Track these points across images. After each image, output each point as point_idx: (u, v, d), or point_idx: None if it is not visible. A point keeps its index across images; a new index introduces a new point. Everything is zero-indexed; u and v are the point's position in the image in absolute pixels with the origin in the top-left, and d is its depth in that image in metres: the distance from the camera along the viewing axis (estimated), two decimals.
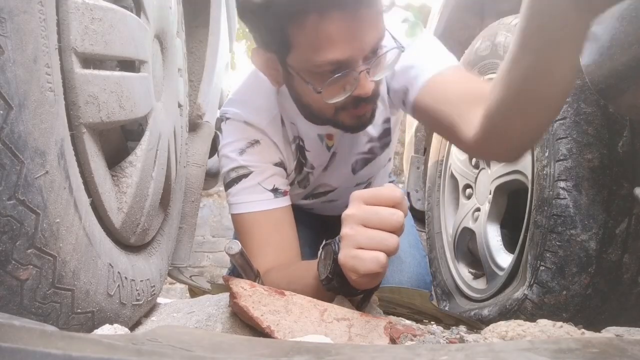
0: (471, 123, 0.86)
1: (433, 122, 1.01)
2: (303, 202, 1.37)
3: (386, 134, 1.22)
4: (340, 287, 0.76)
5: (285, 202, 1.10)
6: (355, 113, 0.95)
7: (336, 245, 0.75)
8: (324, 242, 0.80)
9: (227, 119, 1.11)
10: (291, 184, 1.21)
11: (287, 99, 1.06)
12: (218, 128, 1.12)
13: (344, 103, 0.92)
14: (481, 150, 0.92)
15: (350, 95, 0.89)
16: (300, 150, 1.16)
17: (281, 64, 0.95)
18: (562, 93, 0.72)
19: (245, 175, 1.07)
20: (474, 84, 0.94)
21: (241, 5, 0.91)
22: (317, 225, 1.50)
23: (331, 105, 0.93)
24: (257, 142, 1.09)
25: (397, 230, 0.69)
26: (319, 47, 0.85)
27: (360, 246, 0.69)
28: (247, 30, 0.97)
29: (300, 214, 1.15)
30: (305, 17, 0.83)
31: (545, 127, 0.89)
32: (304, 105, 1.01)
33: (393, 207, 0.70)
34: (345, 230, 0.71)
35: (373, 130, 1.18)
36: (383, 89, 1.10)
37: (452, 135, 0.95)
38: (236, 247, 0.73)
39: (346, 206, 0.73)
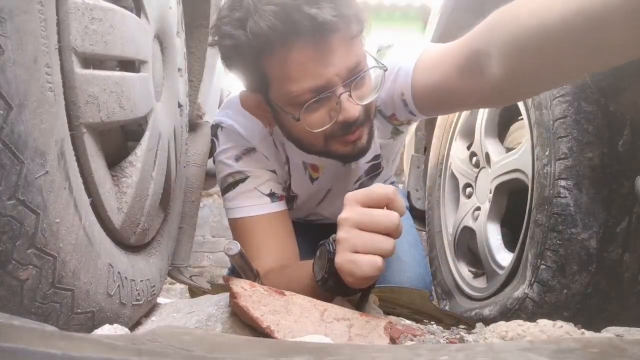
0: (479, 74, 0.81)
1: (444, 100, 0.96)
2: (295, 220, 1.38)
3: (375, 168, 1.22)
4: (336, 287, 0.76)
5: (282, 206, 1.10)
6: (347, 139, 0.92)
7: (330, 246, 0.75)
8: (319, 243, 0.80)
9: (223, 127, 1.11)
10: None
11: (276, 131, 1.06)
12: (214, 134, 1.13)
13: (332, 131, 0.90)
14: (502, 94, 0.85)
15: (336, 121, 0.88)
16: (290, 172, 1.17)
17: (267, 102, 0.95)
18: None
19: (242, 180, 1.08)
20: (459, 43, 0.88)
21: (220, 53, 0.93)
22: (315, 235, 1.50)
23: (320, 135, 0.91)
24: (253, 149, 1.09)
25: (393, 232, 0.69)
26: (292, 77, 0.85)
27: (356, 250, 0.69)
28: None
29: (297, 226, 1.16)
30: (272, 50, 0.83)
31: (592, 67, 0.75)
32: (295, 139, 1.00)
33: (387, 205, 0.70)
34: (340, 233, 0.71)
35: (359, 170, 1.19)
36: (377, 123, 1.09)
37: (465, 97, 0.90)
38: (235, 247, 0.73)
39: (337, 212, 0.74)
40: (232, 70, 0.95)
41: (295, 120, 0.89)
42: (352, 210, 0.71)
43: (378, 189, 0.71)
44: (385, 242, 0.68)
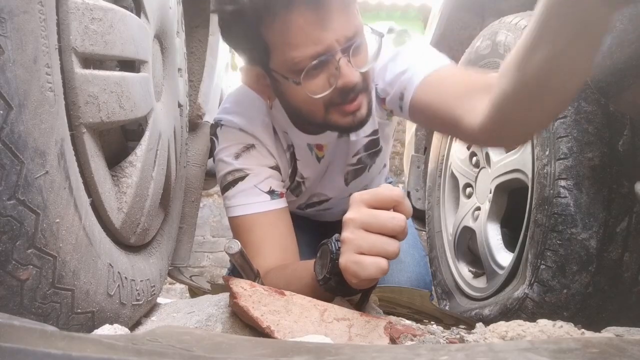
0: (473, 113, 0.84)
1: (432, 119, 0.99)
2: (299, 211, 1.37)
3: (374, 144, 1.23)
4: (338, 287, 0.76)
5: (282, 203, 1.10)
6: (347, 109, 0.93)
7: (333, 245, 0.75)
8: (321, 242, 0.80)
9: (222, 125, 1.11)
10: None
11: (279, 110, 1.06)
12: (213, 134, 1.13)
13: (332, 98, 0.91)
14: (488, 138, 0.88)
15: (335, 87, 0.89)
16: (293, 158, 1.17)
17: (267, 74, 0.96)
18: (577, 83, 0.67)
19: (242, 178, 1.08)
20: (471, 76, 0.93)
21: (219, 23, 0.93)
22: (315, 230, 1.50)
23: (320, 104, 0.92)
24: (252, 146, 1.10)
25: (398, 235, 0.69)
26: (293, 43, 0.86)
27: (361, 251, 0.68)
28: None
29: (297, 220, 1.16)
30: (274, 16, 0.85)
31: (556, 115, 0.86)
32: (295, 111, 1.00)
33: (394, 207, 0.70)
34: (345, 234, 0.71)
35: (358, 143, 1.19)
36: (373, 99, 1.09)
37: (453, 127, 0.92)
38: (236, 246, 0.73)
39: (343, 212, 0.73)
40: (232, 42, 0.96)
41: (296, 85, 0.90)
42: (358, 211, 0.70)
43: (386, 191, 0.70)
44: (391, 245, 0.68)
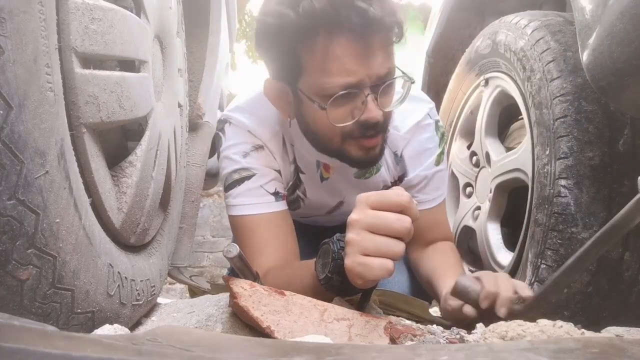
0: (418, 250, 1.19)
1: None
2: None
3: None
4: (340, 286, 0.76)
5: (284, 205, 1.11)
6: (363, 144, 0.95)
7: (334, 245, 0.75)
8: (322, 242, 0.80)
9: (231, 123, 1.11)
10: None
11: (295, 127, 1.07)
12: (220, 129, 1.12)
13: (351, 130, 0.92)
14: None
15: (357, 120, 0.90)
16: (297, 171, 1.17)
17: (292, 92, 0.96)
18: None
19: (249, 177, 1.07)
20: (437, 230, 1.19)
21: (257, 32, 0.95)
22: (308, 235, 1.50)
23: (339, 132, 0.93)
24: (260, 147, 1.09)
25: (404, 237, 0.68)
26: (327, 69, 0.87)
27: (366, 252, 0.68)
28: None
29: (296, 224, 1.16)
30: (315, 37, 0.86)
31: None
32: (312, 133, 1.01)
33: (400, 211, 0.69)
34: (350, 235, 0.70)
35: (360, 188, 1.21)
36: (391, 162, 1.18)
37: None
38: (234, 250, 0.73)
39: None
40: (265, 53, 0.97)
41: (321, 110, 0.91)
42: (363, 212, 0.70)
43: (393, 196, 0.70)
44: (397, 246, 0.68)
